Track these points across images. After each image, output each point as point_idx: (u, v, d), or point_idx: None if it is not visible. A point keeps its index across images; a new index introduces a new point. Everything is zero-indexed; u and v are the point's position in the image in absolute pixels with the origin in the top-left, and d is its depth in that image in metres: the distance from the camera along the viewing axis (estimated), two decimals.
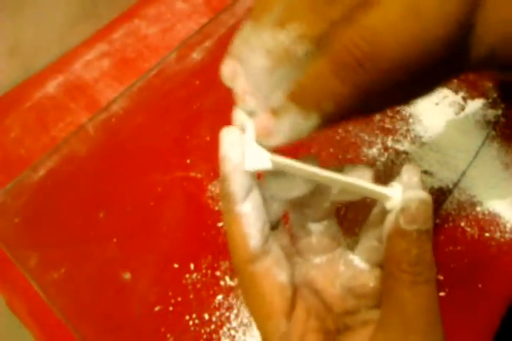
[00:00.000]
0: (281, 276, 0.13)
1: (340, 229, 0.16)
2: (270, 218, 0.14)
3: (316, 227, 0.15)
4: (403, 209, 0.12)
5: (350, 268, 0.15)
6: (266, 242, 0.13)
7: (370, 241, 0.15)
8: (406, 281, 0.12)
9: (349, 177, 0.13)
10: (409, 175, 0.13)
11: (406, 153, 0.29)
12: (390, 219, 0.13)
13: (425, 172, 0.28)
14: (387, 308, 0.13)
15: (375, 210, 0.15)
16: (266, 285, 0.13)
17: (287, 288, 0.13)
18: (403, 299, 0.12)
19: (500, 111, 0.30)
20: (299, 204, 0.15)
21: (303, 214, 0.15)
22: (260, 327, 0.13)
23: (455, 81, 0.31)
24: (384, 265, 0.13)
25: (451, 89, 0.31)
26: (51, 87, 0.33)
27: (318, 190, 0.14)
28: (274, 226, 0.14)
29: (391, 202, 0.13)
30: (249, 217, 0.13)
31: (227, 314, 0.24)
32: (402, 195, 0.13)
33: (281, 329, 0.12)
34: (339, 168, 0.14)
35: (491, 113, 0.30)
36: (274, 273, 0.13)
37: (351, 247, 0.15)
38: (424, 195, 0.12)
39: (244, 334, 0.23)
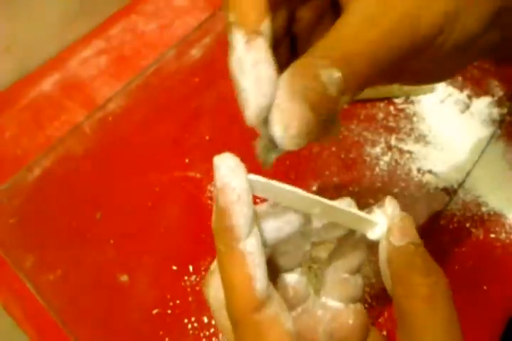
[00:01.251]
0: (288, 323, 0.11)
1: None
2: None
3: (290, 278, 0.14)
4: (390, 229, 0.12)
5: (327, 310, 0.14)
6: (269, 285, 0.11)
7: (338, 274, 0.14)
8: (424, 296, 0.11)
9: (335, 203, 0.12)
10: (393, 206, 0.13)
11: (410, 152, 0.28)
12: (382, 246, 0.13)
13: (429, 171, 0.28)
14: (407, 333, 0.12)
15: (340, 242, 0.14)
16: (274, 336, 0.11)
17: (295, 337, 0.11)
18: (424, 318, 0.11)
19: (505, 110, 0.30)
20: (275, 255, 0.13)
21: (276, 265, 0.14)
22: None
23: (460, 79, 0.31)
24: (393, 295, 0.12)
25: (456, 87, 0.31)
26: (47, 85, 0.32)
27: (305, 230, 0.13)
28: None
29: (377, 229, 0.13)
30: (255, 256, 0.11)
31: None
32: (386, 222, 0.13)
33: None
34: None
35: (497, 111, 0.30)
36: (281, 320, 0.11)
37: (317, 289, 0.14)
38: (404, 213, 0.13)
39: None
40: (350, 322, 0.14)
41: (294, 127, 0.11)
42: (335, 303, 0.14)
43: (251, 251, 0.11)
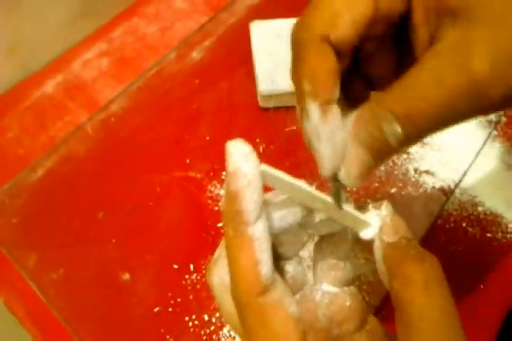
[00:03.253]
0: (293, 307, 0.12)
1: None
2: None
3: (289, 266, 0.14)
4: (382, 227, 0.13)
5: (324, 295, 0.14)
6: (274, 270, 0.12)
7: (327, 260, 0.15)
8: (418, 281, 0.12)
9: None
10: (388, 211, 0.14)
11: (407, 152, 0.29)
12: (376, 245, 0.13)
13: (426, 172, 0.28)
14: (404, 323, 0.12)
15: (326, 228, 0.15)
16: (278, 320, 0.11)
17: (299, 321, 0.12)
18: (420, 305, 0.11)
19: (501, 111, 0.30)
20: (275, 244, 0.14)
21: (275, 254, 0.14)
22: None
23: None
24: (390, 288, 0.12)
25: None
26: (50, 86, 0.32)
27: (305, 221, 0.14)
28: None
29: (370, 230, 0.13)
30: (261, 241, 0.11)
31: None
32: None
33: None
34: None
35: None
36: (285, 304, 0.12)
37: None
38: (394, 212, 0.13)
39: None
40: (348, 303, 0.14)
41: (356, 170, 0.12)
42: (330, 288, 0.14)
43: (258, 236, 0.11)
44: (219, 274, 0.13)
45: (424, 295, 0.12)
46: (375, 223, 0.13)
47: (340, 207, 0.13)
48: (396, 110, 0.11)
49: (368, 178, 0.13)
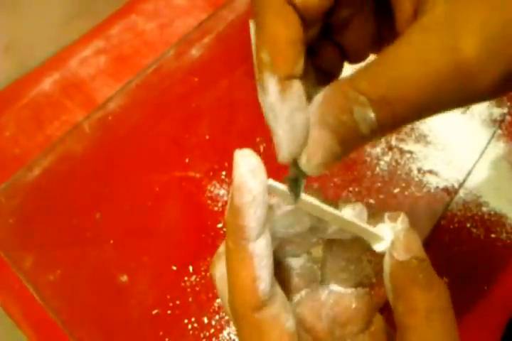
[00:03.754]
0: (289, 323, 0.12)
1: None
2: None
3: (296, 263, 0.14)
4: (393, 243, 0.12)
5: (330, 294, 0.14)
6: (274, 284, 0.12)
7: (336, 261, 0.14)
8: (422, 311, 0.11)
9: (348, 216, 0.13)
10: (404, 225, 0.13)
11: (410, 152, 0.28)
12: (386, 260, 0.13)
13: (430, 171, 0.27)
14: None
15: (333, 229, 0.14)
16: (274, 335, 0.11)
17: (295, 335, 0.12)
18: (421, 334, 0.11)
19: (506, 110, 0.30)
20: (283, 243, 0.14)
21: (283, 250, 0.14)
22: None
23: None
24: (394, 309, 0.12)
25: None
26: (46, 84, 0.32)
27: (315, 227, 0.13)
28: None
29: (383, 243, 0.13)
30: (262, 258, 0.11)
31: (226, 317, 0.23)
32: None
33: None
34: (334, 204, 0.13)
35: (497, 111, 0.30)
36: (282, 320, 0.11)
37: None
38: (409, 227, 0.13)
39: None
40: (353, 305, 0.14)
41: (318, 157, 0.11)
42: (337, 288, 0.14)
43: (259, 253, 0.11)
44: (221, 270, 0.13)
45: (427, 324, 0.11)
46: (388, 236, 0.13)
47: (297, 197, 0.12)
48: (371, 92, 0.10)
49: (332, 167, 0.11)
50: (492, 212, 0.26)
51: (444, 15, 0.09)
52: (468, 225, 0.26)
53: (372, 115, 0.10)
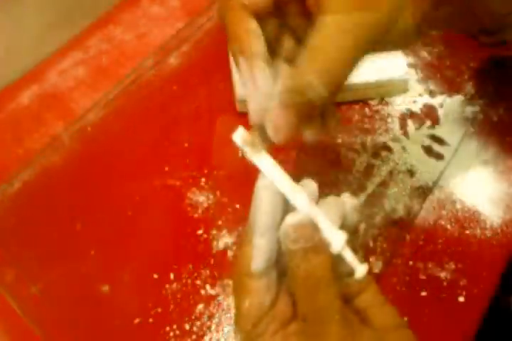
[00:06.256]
0: (266, 298, 0.15)
1: None
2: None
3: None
4: (284, 234, 0.14)
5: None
6: (265, 270, 0.15)
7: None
8: (301, 294, 0.14)
9: (317, 211, 0.15)
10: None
11: (385, 152, 0.29)
12: (283, 242, 0.15)
13: (405, 171, 0.28)
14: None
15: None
16: (253, 295, 0.15)
17: (264, 310, 0.15)
18: (300, 306, 0.14)
19: (478, 108, 0.30)
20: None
21: None
22: (238, 306, 0.15)
23: (432, 78, 0.31)
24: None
25: (428, 86, 0.31)
26: (25, 97, 0.32)
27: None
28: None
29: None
30: (260, 250, 0.15)
31: (208, 323, 0.23)
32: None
33: (263, 308, 0.15)
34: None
35: (469, 109, 0.30)
36: (259, 295, 0.15)
37: None
38: (299, 217, 0.15)
39: None
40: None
41: (282, 131, 0.14)
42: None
43: (259, 246, 0.15)
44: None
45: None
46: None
47: (258, 151, 0.15)
48: (314, 66, 0.13)
49: (294, 135, 0.15)
50: (466, 209, 0.27)
51: None
52: (443, 222, 0.26)
53: (320, 87, 0.13)
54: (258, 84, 0.14)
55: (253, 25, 0.15)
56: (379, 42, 0.14)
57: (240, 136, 0.15)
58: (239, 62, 0.15)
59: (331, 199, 0.16)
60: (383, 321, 0.14)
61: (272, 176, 0.15)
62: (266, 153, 0.15)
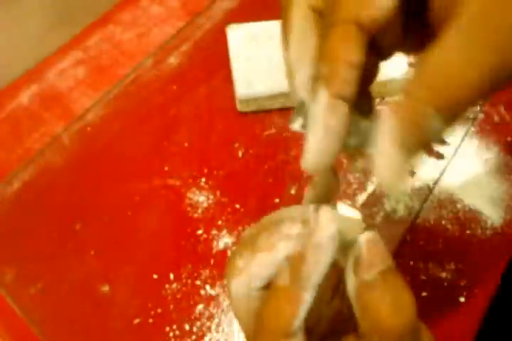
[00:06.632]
0: None
1: None
2: None
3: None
4: (356, 259, 0.12)
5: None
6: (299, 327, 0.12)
7: None
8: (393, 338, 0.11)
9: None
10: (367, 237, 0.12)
11: None
12: (349, 277, 0.12)
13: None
14: None
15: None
16: None
17: None
18: None
19: (478, 108, 0.30)
20: None
21: None
22: None
23: None
24: (360, 333, 0.12)
25: None
26: (25, 97, 0.32)
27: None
28: None
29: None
30: (307, 305, 0.12)
31: (208, 324, 0.23)
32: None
33: None
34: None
35: (470, 109, 0.30)
36: None
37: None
38: (367, 233, 0.12)
39: None
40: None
41: (395, 174, 0.11)
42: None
43: (308, 300, 0.12)
44: (238, 285, 0.13)
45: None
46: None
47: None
48: (435, 100, 0.10)
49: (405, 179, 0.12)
50: (467, 209, 0.27)
51: (480, 14, 0.10)
52: (443, 222, 0.26)
53: (440, 123, 0.11)
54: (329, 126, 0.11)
55: (361, 58, 0.11)
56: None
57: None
58: (318, 87, 0.11)
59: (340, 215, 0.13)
60: None
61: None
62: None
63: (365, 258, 0.12)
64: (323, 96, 0.11)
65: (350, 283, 0.12)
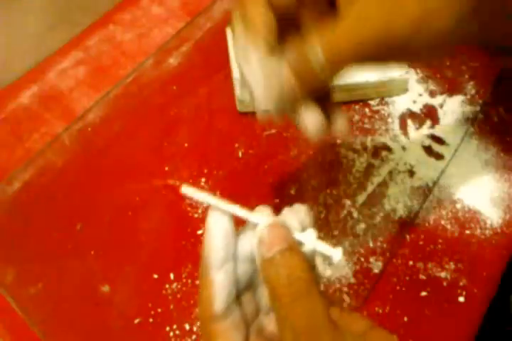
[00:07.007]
0: (238, 337, 0.14)
1: None
2: (240, 277, 0.15)
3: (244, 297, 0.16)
4: (259, 241, 0.14)
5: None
6: (228, 308, 0.14)
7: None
8: (286, 303, 0.13)
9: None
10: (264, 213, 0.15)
11: (385, 152, 0.29)
12: (258, 253, 0.14)
13: (405, 171, 0.28)
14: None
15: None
16: (224, 337, 0.14)
17: None
18: (287, 321, 0.13)
19: (478, 108, 0.30)
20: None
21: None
22: None
23: (433, 78, 0.31)
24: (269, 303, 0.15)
25: (428, 87, 0.31)
26: (25, 97, 0.32)
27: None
28: (246, 286, 0.15)
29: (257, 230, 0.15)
30: (219, 285, 0.14)
31: None
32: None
33: None
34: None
35: (470, 109, 0.30)
36: (228, 335, 0.14)
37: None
38: (269, 219, 0.14)
39: None
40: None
41: (282, 99, 0.15)
42: None
43: (218, 281, 0.14)
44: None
45: (292, 309, 0.13)
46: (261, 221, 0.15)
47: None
48: (324, 45, 0.14)
49: (283, 110, 0.15)
50: (466, 209, 0.27)
51: None
52: (443, 222, 0.26)
53: (322, 58, 0.14)
54: (268, 74, 0.15)
55: (272, 21, 0.15)
56: (406, 45, 0.13)
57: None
58: (249, 50, 0.15)
59: (285, 210, 0.16)
60: (358, 327, 0.14)
61: (222, 207, 0.15)
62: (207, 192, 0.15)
63: (266, 239, 0.14)
64: (254, 53, 0.15)
65: (258, 259, 0.14)
